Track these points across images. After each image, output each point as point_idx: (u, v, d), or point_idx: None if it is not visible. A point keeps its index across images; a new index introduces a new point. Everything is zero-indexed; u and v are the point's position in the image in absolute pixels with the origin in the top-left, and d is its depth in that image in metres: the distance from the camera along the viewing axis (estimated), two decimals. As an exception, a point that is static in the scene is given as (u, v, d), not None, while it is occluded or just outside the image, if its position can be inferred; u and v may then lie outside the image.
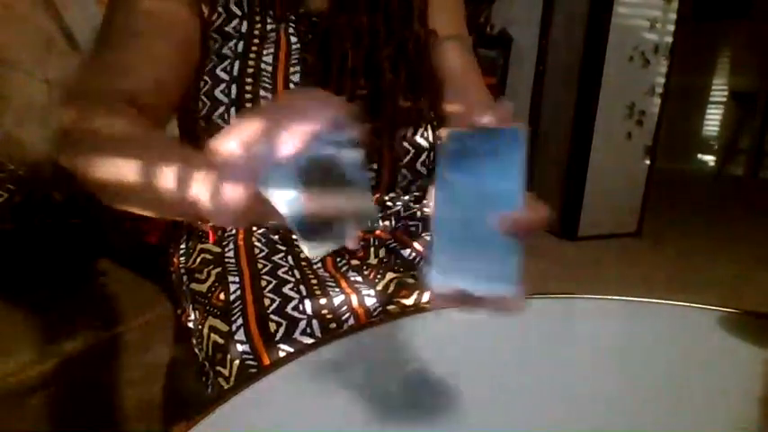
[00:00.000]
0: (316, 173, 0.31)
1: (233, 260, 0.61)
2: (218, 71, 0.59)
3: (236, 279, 0.58)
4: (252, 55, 0.59)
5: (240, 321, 0.53)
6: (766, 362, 0.45)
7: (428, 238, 0.64)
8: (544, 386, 0.42)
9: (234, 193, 0.31)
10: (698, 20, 4.35)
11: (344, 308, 0.56)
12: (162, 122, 0.60)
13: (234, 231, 0.65)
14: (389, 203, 0.66)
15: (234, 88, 0.58)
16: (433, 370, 0.44)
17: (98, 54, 0.56)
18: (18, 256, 0.85)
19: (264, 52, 0.59)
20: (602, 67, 2.52)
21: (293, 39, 0.60)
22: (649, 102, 2.65)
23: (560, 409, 0.39)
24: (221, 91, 0.59)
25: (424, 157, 0.66)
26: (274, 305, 0.54)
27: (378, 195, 0.64)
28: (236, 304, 0.55)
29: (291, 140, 0.30)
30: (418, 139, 0.65)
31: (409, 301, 0.59)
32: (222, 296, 0.57)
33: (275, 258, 0.61)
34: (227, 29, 0.59)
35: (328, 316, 0.55)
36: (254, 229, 0.64)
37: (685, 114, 4.80)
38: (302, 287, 0.57)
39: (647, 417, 0.39)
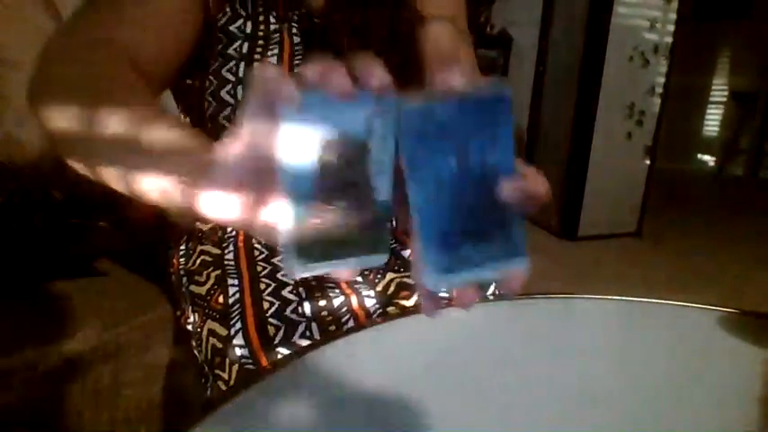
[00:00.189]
0: (335, 169, 0.26)
1: (232, 262, 0.61)
2: (223, 72, 0.59)
3: (236, 282, 0.58)
4: (256, 56, 0.59)
5: (239, 325, 0.53)
6: (766, 362, 0.45)
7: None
8: (544, 386, 0.42)
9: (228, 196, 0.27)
10: (698, 20, 4.35)
11: (344, 309, 0.56)
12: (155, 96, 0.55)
13: (234, 233, 0.65)
14: None
15: (239, 90, 0.58)
16: (433, 370, 0.44)
17: (89, 5, 0.50)
18: (18, 256, 0.85)
19: (269, 53, 0.59)
20: (602, 67, 2.52)
21: (296, 39, 0.60)
22: (649, 102, 2.65)
23: (560, 410, 0.39)
24: (227, 92, 0.59)
25: None
26: (273, 308, 0.54)
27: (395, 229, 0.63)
28: (234, 308, 0.55)
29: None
30: None
31: (409, 303, 0.59)
32: (221, 299, 0.57)
33: (275, 260, 0.61)
34: (231, 28, 0.59)
35: (328, 318, 0.55)
36: None
37: (685, 114, 4.79)
38: (301, 289, 0.57)
39: (647, 417, 0.39)
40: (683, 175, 4.71)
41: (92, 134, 0.36)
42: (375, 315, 0.57)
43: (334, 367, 0.44)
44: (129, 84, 0.42)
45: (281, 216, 0.26)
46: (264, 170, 0.26)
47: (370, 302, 0.57)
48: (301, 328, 0.53)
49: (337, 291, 0.58)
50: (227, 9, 0.59)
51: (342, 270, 0.28)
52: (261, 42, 0.59)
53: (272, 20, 0.60)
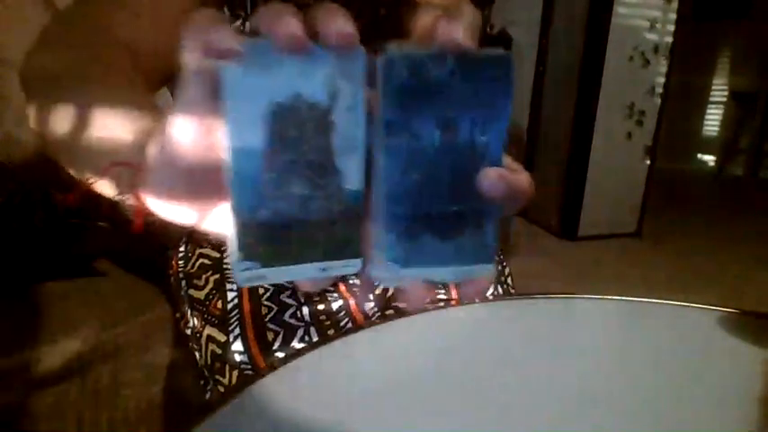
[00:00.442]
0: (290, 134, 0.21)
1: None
2: None
3: (234, 287, 0.58)
4: None
5: (237, 331, 0.53)
6: (766, 362, 0.45)
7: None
8: (544, 386, 0.42)
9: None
10: (698, 20, 4.35)
11: (342, 313, 0.56)
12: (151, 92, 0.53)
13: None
14: None
15: None
16: (432, 370, 0.44)
17: None
18: (18, 256, 0.85)
19: None
20: (602, 67, 2.52)
21: None
22: (649, 102, 2.65)
23: (560, 410, 0.39)
24: None
25: None
26: (272, 313, 0.54)
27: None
28: (233, 314, 0.55)
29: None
30: None
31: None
32: (219, 305, 0.57)
33: None
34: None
35: (326, 322, 0.55)
36: None
37: (685, 114, 4.79)
38: (299, 293, 0.57)
39: (646, 417, 0.39)
40: (683, 175, 4.71)
41: (73, 127, 0.34)
42: (374, 318, 0.57)
43: (333, 368, 0.44)
44: (123, 70, 0.40)
45: (225, 209, 0.21)
46: (212, 161, 0.22)
47: (368, 305, 0.57)
48: (300, 332, 0.53)
49: (336, 294, 0.57)
50: (225, 9, 0.58)
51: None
52: None
53: None
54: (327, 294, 0.57)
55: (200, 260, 0.64)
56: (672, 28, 2.57)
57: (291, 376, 0.43)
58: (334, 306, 0.56)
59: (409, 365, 0.45)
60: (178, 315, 0.69)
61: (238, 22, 0.58)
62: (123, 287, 0.87)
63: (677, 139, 4.65)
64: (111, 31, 0.44)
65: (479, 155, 0.23)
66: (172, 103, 0.22)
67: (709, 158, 5.09)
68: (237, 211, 0.21)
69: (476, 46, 0.22)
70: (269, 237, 0.22)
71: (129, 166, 0.26)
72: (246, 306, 0.55)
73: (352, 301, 0.57)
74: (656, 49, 2.58)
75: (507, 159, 0.25)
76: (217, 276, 0.60)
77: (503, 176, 0.23)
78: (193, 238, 0.68)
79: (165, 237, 0.76)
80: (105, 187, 0.29)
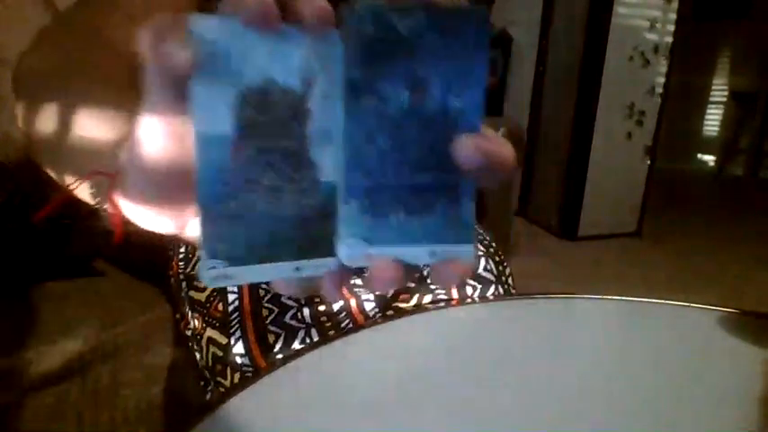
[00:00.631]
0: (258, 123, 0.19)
1: None
2: None
3: (235, 289, 0.58)
4: None
5: (238, 334, 0.53)
6: (766, 362, 0.45)
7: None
8: (543, 386, 0.42)
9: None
10: (698, 20, 4.35)
11: (343, 314, 0.56)
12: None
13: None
14: None
15: None
16: (432, 370, 0.44)
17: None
18: (17, 256, 0.85)
19: None
20: (602, 67, 2.52)
21: None
22: (649, 102, 2.65)
23: (560, 410, 0.39)
24: None
25: None
26: (272, 315, 0.54)
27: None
28: (234, 316, 0.55)
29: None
30: None
31: (409, 305, 0.58)
32: (220, 307, 0.57)
33: None
34: None
35: (327, 323, 0.55)
36: None
37: (685, 114, 4.80)
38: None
39: (646, 417, 0.39)
40: (683, 175, 4.71)
41: (58, 127, 0.33)
42: (374, 318, 0.57)
43: (332, 368, 0.44)
44: (112, 72, 0.38)
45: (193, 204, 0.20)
46: (184, 165, 0.20)
47: (369, 306, 0.57)
48: (301, 334, 0.53)
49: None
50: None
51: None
52: None
53: None
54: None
55: None
56: (672, 28, 2.57)
57: (291, 376, 0.43)
58: (335, 307, 0.56)
59: (409, 365, 0.45)
60: (178, 316, 0.69)
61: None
62: (123, 287, 0.87)
63: (677, 139, 4.65)
64: (104, 33, 0.43)
65: (453, 121, 0.21)
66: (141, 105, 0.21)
67: (710, 158, 5.09)
68: (203, 203, 0.19)
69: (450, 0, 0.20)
70: (237, 232, 0.20)
71: (106, 175, 0.25)
72: (247, 308, 0.55)
73: (352, 302, 0.57)
74: (656, 49, 2.58)
75: (489, 131, 0.22)
76: None
77: (480, 145, 0.21)
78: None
79: (159, 239, 0.76)
80: (85, 194, 0.28)
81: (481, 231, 0.65)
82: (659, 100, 2.66)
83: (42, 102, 0.34)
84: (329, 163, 0.21)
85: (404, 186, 0.21)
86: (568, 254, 2.62)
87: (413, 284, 0.60)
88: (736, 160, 4.84)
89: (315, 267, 0.21)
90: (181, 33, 0.18)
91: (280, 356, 0.51)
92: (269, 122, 0.20)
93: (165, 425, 0.81)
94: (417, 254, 0.22)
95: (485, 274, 0.61)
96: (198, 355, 0.59)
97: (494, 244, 0.64)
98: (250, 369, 0.51)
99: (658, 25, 2.55)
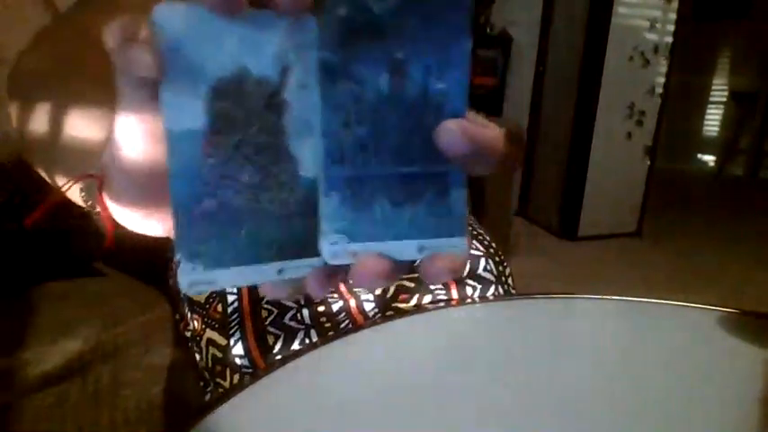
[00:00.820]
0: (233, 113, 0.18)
1: None
2: None
3: (234, 290, 0.58)
4: None
5: (238, 335, 0.53)
6: (766, 362, 0.45)
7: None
8: (543, 386, 0.42)
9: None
10: (698, 20, 4.35)
11: (343, 314, 0.56)
12: None
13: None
14: None
15: None
16: (432, 370, 0.44)
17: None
18: (17, 256, 0.85)
19: None
20: (602, 67, 2.52)
21: None
22: (649, 102, 2.65)
23: (560, 410, 0.39)
24: None
25: None
26: (272, 316, 0.54)
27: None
28: (233, 317, 0.55)
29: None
30: None
31: (408, 306, 0.58)
32: (220, 308, 0.57)
33: None
34: None
35: (327, 324, 0.55)
36: None
37: (685, 114, 4.80)
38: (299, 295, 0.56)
39: (646, 417, 0.39)
40: (683, 175, 4.71)
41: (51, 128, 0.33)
42: (374, 318, 0.57)
43: (332, 368, 0.44)
44: (106, 73, 0.39)
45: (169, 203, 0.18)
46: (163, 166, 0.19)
47: (368, 306, 0.57)
48: (300, 334, 0.53)
49: (336, 295, 0.57)
50: None
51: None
52: None
53: None
54: (327, 296, 0.57)
55: None
56: (672, 28, 2.57)
57: (291, 377, 0.43)
58: (335, 308, 0.56)
59: (409, 365, 0.45)
60: (178, 317, 0.70)
61: None
62: (123, 287, 0.87)
63: (677, 139, 4.65)
64: (100, 34, 0.43)
65: (436, 105, 0.20)
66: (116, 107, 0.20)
67: (710, 158, 5.09)
68: (177, 203, 0.18)
69: None
70: (214, 232, 0.19)
71: (95, 177, 0.25)
72: (246, 309, 0.55)
73: (352, 302, 0.57)
74: (656, 49, 2.58)
75: (478, 117, 0.21)
76: None
77: (465, 130, 0.19)
78: None
79: (154, 241, 0.76)
80: (76, 196, 0.28)
81: (481, 231, 0.65)
82: (659, 100, 2.66)
83: (36, 102, 0.33)
84: (309, 156, 0.20)
85: (387, 176, 0.20)
86: (568, 254, 2.62)
87: (412, 285, 0.60)
88: (736, 160, 4.84)
89: (298, 269, 0.20)
90: (146, 32, 0.17)
91: (279, 357, 0.51)
92: (243, 115, 0.19)
93: (165, 425, 0.81)
94: (405, 248, 0.20)
95: (485, 274, 0.61)
96: (197, 356, 0.59)
97: (494, 244, 0.64)
98: (249, 370, 0.51)
99: (658, 25, 2.55)
